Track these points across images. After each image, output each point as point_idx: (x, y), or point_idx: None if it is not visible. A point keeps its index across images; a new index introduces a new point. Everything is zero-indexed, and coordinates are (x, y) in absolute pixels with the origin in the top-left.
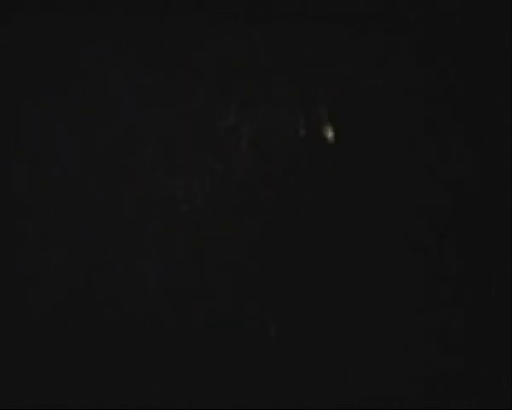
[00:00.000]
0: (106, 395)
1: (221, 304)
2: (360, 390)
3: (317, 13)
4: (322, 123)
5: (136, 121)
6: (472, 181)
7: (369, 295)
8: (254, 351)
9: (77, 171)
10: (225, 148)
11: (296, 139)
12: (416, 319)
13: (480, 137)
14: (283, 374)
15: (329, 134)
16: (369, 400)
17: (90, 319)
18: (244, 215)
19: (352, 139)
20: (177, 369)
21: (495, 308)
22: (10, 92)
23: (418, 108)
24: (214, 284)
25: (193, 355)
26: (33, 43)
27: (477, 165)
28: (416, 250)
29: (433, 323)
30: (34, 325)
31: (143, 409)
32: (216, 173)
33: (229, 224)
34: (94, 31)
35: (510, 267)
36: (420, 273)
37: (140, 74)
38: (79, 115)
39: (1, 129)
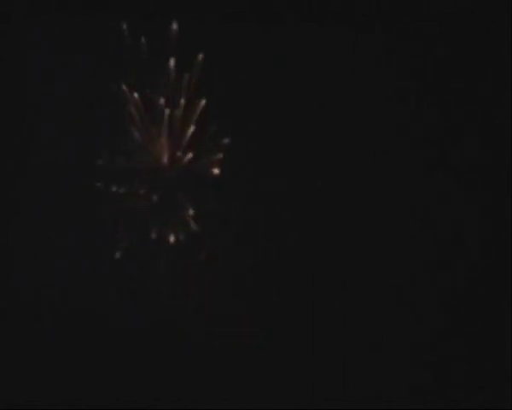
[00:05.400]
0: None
1: (216, 305)
2: (360, 390)
3: (318, 14)
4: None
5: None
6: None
7: (369, 297)
8: (254, 351)
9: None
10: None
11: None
12: (416, 319)
13: (480, 136)
14: (284, 374)
15: None
16: (369, 400)
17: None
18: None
19: (349, 138)
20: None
21: (495, 310)
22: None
23: (417, 107)
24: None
25: (192, 357)
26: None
27: (476, 163)
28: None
29: (433, 324)
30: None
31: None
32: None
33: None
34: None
35: (510, 268)
36: (420, 276)
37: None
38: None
39: None
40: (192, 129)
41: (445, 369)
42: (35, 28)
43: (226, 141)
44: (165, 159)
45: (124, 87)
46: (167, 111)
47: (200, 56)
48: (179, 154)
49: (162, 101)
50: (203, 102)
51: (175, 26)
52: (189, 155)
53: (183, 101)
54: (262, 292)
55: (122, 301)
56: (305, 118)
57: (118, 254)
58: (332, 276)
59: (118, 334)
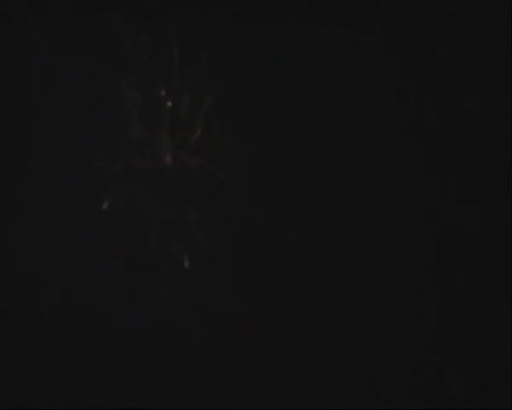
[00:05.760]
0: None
1: (216, 305)
2: (360, 390)
3: (318, 14)
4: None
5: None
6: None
7: (369, 297)
8: (254, 351)
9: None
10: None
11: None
12: (416, 319)
13: (480, 136)
14: (284, 374)
15: None
16: (369, 400)
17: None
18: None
19: (349, 138)
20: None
21: (495, 310)
22: None
23: (417, 107)
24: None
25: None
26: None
27: (476, 162)
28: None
29: (434, 324)
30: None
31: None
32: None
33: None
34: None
35: (510, 268)
36: (420, 276)
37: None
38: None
39: None
40: (197, 128)
41: (445, 369)
42: (35, 28)
43: (230, 143)
44: (168, 160)
45: (124, 85)
46: (169, 104)
47: (202, 56)
48: (184, 155)
49: (163, 94)
50: (209, 99)
51: (176, 25)
52: (196, 159)
53: (186, 96)
54: (262, 292)
55: (122, 301)
56: (305, 118)
57: (119, 260)
58: (332, 276)
59: (118, 334)
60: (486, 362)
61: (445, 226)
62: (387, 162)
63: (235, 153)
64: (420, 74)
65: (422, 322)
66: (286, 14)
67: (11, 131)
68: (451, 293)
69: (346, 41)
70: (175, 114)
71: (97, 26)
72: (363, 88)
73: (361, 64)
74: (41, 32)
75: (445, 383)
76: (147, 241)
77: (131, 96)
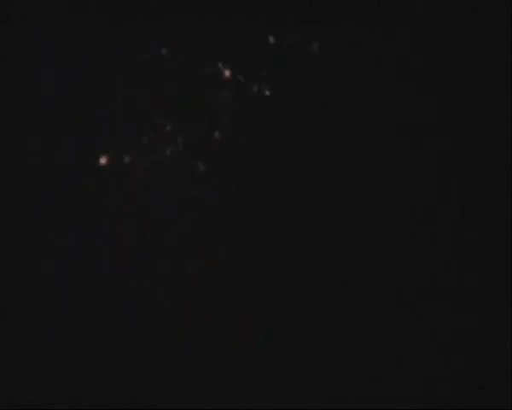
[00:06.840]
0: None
1: (215, 305)
2: (360, 390)
3: (318, 14)
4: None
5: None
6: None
7: (369, 297)
8: (256, 352)
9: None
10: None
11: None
12: (416, 319)
13: (481, 136)
14: (285, 374)
15: None
16: (369, 400)
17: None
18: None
19: (349, 138)
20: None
21: (495, 310)
22: None
23: (417, 107)
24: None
25: (192, 356)
26: None
27: (476, 168)
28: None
29: (434, 324)
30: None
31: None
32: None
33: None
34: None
35: (510, 268)
36: (420, 276)
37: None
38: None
39: None
40: (196, 129)
41: (445, 369)
42: (35, 28)
43: (228, 144)
44: (167, 160)
45: (124, 85)
46: (177, 106)
47: (202, 56)
48: (184, 156)
49: (164, 94)
50: (210, 100)
51: (176, 25)
52: (195, 159)
53: (187, 97)
54: (262, 292)
55: (122, 301)
56: (305, 118)
57: (119, 255)
58: (332, 276)
59: (118, 334)
60: (486, 362)
61: (445, 227)
62: (387, 162)
63: (232, 154)
64: (420, 74)
65: (422, 322)
66: (286, 14)
67: (11, 131)
68: (451, 293)
69: (346, 41)
70: (175, 114)
71: (97, 26)
72: (363, 88)
73: (361, 64)
74: (41, 32)
75: (445, 383)
76: (147, 241)
77: (131, 96)
